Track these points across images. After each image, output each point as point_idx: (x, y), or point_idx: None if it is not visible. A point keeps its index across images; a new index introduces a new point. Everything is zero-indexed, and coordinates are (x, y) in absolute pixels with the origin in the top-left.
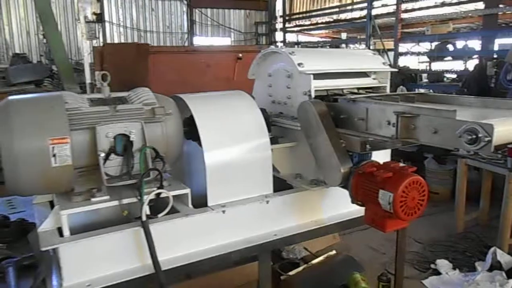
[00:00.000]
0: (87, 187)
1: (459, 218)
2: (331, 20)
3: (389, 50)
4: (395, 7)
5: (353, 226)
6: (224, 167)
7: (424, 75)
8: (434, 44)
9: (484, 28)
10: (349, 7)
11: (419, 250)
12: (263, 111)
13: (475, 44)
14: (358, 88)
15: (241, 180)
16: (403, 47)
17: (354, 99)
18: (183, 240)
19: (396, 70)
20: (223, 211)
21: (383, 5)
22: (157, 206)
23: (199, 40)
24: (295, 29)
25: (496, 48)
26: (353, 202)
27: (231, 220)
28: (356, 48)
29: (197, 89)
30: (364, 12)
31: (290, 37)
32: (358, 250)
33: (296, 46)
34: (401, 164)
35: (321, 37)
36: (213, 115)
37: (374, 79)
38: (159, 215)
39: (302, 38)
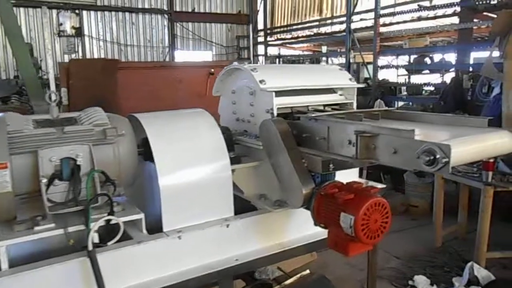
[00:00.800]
0: (31, 214)
1: (437, 232)
2: (312, 33)
3: (369, 63)
4: (373, 21)
5: (319, 248)
6: (181, 190)
7: (403, 88)
8: (413, 57)
9: (460, 42)
10: (329, 21)
11: (397, 265)
12: (226, 129)
13: (452, 57)
14: (324, 105)
15: (199, 203)
16: (383, 60)
17: (315, 117)
18: (136, 268)
19: (362, 86)
20: (179, 237)
21: (361, 19)
22: (112, 232)
23: (181, 54)
24: (277, 42)
25: (471, 61)
26: (316, 224)
27: (188, 246)
28: (338, 61)
29: (169, 105)
30: (344, 26)
31: (272, 51)
32: (336, 267)
33: (277, 59)
34: (370, 183)
35: (303, 50)
36: (169, 135)
37: (341, 95)
38: (109, 243)
39: (284, 51)
